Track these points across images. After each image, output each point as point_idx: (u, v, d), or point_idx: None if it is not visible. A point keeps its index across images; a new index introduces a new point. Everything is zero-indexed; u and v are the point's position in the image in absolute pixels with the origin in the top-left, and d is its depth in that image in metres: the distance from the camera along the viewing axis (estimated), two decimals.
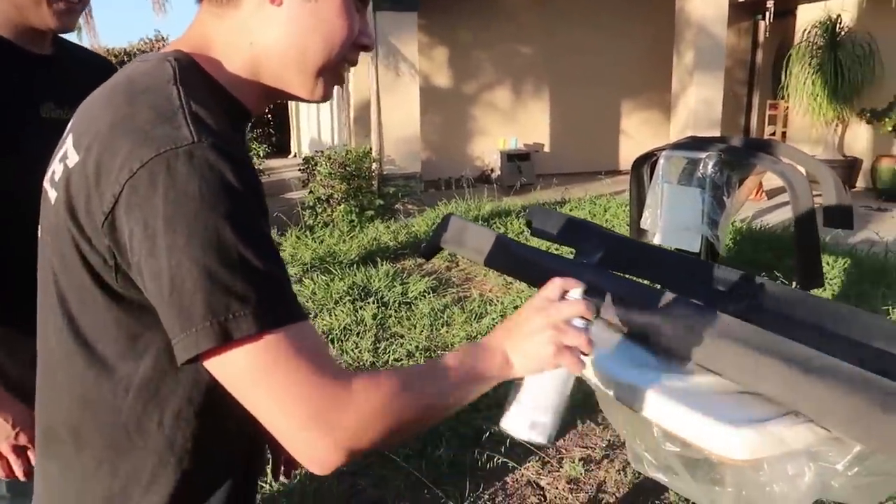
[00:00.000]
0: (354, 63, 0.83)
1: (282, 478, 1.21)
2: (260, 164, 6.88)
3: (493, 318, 3.94)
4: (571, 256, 1.95)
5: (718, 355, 1.05)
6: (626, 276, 1.92)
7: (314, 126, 12.16)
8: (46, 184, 0.79)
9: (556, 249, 4.11)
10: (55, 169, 0.76)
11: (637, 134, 9.94)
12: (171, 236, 0.63)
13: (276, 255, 0.69)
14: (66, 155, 0.73)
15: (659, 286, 1.90)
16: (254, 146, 6.75)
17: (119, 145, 0.66)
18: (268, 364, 0.64)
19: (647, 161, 4.72)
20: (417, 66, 7.29)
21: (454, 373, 0.74)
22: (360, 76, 8.42)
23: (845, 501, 0.97)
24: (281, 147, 14.36)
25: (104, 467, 0.76)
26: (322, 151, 7.71)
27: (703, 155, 4.00)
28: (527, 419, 0.79)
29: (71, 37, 1.56)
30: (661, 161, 4.33)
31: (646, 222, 4.52)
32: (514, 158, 8.90)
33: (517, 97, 9.63)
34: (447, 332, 3.83)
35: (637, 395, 1.03)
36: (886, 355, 1.14)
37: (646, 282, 2.34)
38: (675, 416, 0.97)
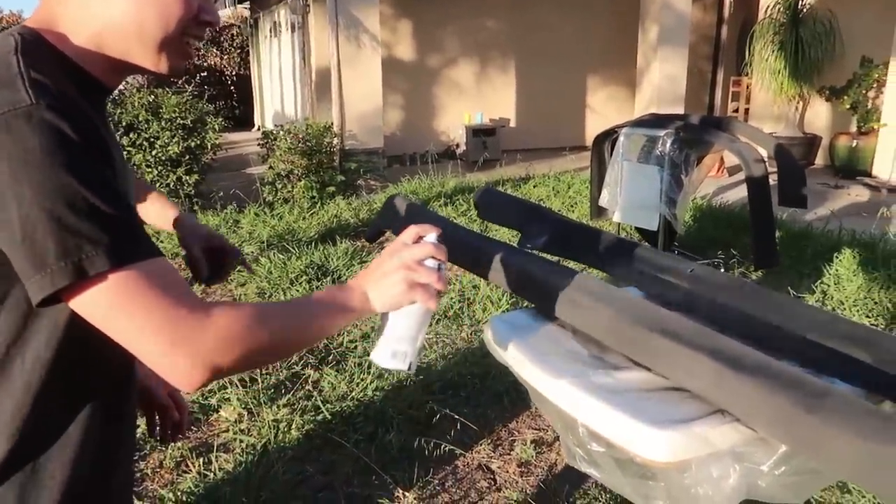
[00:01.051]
0: (200, 38, 0.88)
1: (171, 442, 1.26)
2: (217, 139, 6.67)
3: (451, 298, 3.90)
4: (517, 239, 1.90)
5: (648, 348, 1.02)
6: (570, 260, 1.88)
7: (277, 99, 11.89)
8: None
9: (496, 231, 4.06)
10: None
11: (603, 110, 9.92)
12: (18, 189, 0.68)
13: (123, 200, 0.74)
14: None
15: (599, 272, 1.85)
16: (210, 120, 6.54)
17: None
18: (126, 296, 0.70)
19: (608, 138, 4.68)
20: (379, 37, 7.12)
21: (314, 306, 0.83)
22: (322, 48, 8.23)
23: (772, 500, 0.95)
24: (244, 120, 14.04)
25: None
26: (283, 126, 7.53)
27: (661, 132, 3.98)
28: (388, 349, 0.88)
29: None
30: (621, 138, 4.30)
31: (604, 200, 4.50)
32: (480, 133, 8.82)
33: (483, 72, 9.52)
34: None
35: (563, 392, 0.99)
36: (821, 348, 1.12)
37: (592, 270, 2.31)
38: (599, 415, 0.93)
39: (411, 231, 0.89)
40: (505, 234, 4.83)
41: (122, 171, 0.83)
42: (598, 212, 4.61)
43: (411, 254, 0.86)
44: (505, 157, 8.70)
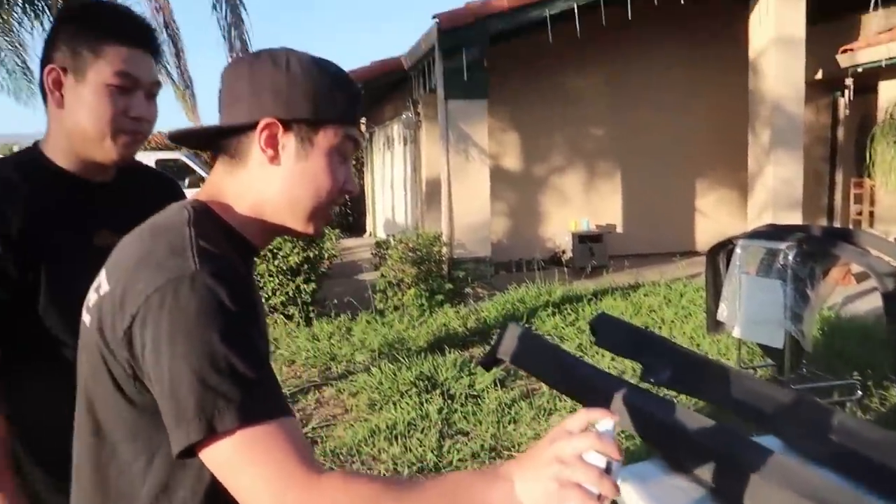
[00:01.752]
0: (341, 203, 1.02)
1: None
2: (334, 247, 7.06)
3: (563, 416, 3.80)
4: (637, 371, 1.86)
5: None
6: (693, 398, 1.82)
7: (388, 208, 12.49)
8: (84, 310, 0.94)
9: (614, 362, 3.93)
10: (90, 297, 0.92)
11: (713, 214, 9.70)
12: (173, 347, 0.77)
13: (263, 361, 0.82)
14: (100, 286, 0.90)
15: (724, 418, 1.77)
16: (328, 231, 6.95)
17: (140, 275, 0.82)
18: (245, 452, 0.75)
19: (723, 249, 4.56)
20: (487, 151, 7.43)
21: (443, 492, 0.75)
22: (433, 160, 8.67)
23: None
24: (357, 227, 14.80)
25: None
26: (394, 235, 7.87)
27: (782, 245, 3.83)
28: None
29: None
30: (738, 250, 4.17)
31: (723, 314, 4.33)
32: (586, 240, 8.81)
33: (588, 178, 9.63)
34: (514, 429, 3.72)
35: None
36: None
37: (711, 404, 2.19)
38: None
39: (580, 417, 0.77)
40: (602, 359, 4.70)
41: (263, 323, 0.94)
42: (716, 325, 4.42)
43: (572, 444, 0.74)
44: (612, 263, 8.60)
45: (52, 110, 1.28)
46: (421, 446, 3.51)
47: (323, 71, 0.94)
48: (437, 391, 4.24)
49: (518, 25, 7.17)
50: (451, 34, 6.88)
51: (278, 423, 0.77)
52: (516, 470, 0.76)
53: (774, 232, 4.37)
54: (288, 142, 0.92)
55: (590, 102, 9.39)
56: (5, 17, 8.12)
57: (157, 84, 1.30)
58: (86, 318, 0.92)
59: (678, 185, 9.71)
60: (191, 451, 0.77)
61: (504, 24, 7.06)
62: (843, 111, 9.46)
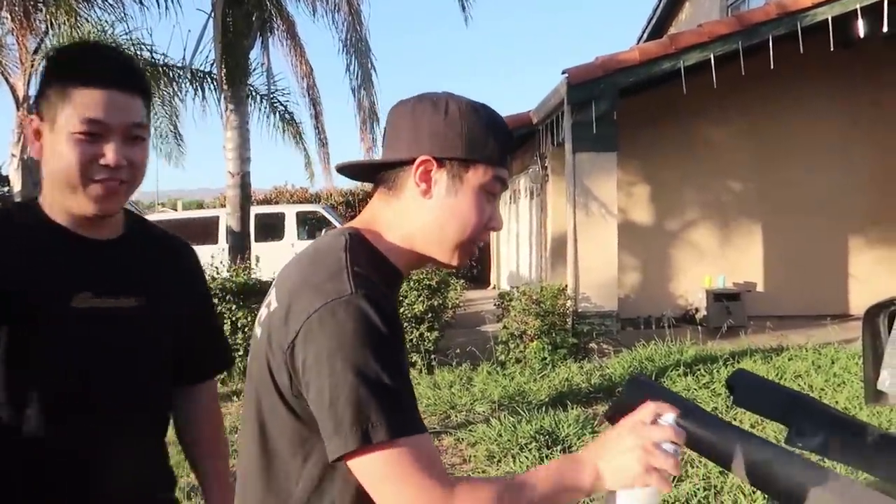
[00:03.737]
0: (485, 240, 1.12)
1: None
2: (458, 297, 7.11)
3: (695, 484, 3.51)
4: (783, 434, 1.67)
5: None
6: (852, 468, 1.60)
7: (513, 260, 12.49)
8: (256, 324, 1.07)
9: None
10: (261, 312, 1.05)
11: (869, 274, 8.82)
12: (332, 363, 0.87)
13: (408, 380, 0.92)
14: (271, 303, 1.02)
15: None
16: (452, 281, 7.03)
17: (302, 296, 0.93)
18: (393, 464, 0.85)
19: (884, 310, 4.09)
20: (616, 206, 7.25)
21: (545, 483, 0.88)
22: (559, 214, 8.59)
23: None
24: (481, 279, 14.89)
25: None
26: (518, 287, 7.81)
27: None
28: None
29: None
30: None
31: (884, 384, 3.84)
32: (722, 298, 8.29)
33: (725, 233, 9.13)
34: None
35: None
36: None
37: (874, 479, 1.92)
38: None
39: (650, 409, 0.90)
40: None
41: (404, 345, 1.01)
42: (876, 396, 3.94)
43: (651, 434, 0.87)
44: (752, 324, 8.00)
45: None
46: None
47: (478, 114, 1.02)
48: (559, 447, 4.07)
49: (650, 77, 7.04)
50: (581, 88, 6.87)
51: (419, 437, 0.87)
52: (599, 454, 0.89)
53: None
54: (440, 178, 1.01)
55: (728, 154, 8.97)
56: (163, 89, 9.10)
57: (140, 126, 1.19)
58: (257, 330, 1.05)
59: (829, 241, 8.96)
60: (343, 457, 0.87)
61: (635, 77, 6.96)
62: None
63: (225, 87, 7.99)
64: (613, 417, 1.99)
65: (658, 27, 13.17)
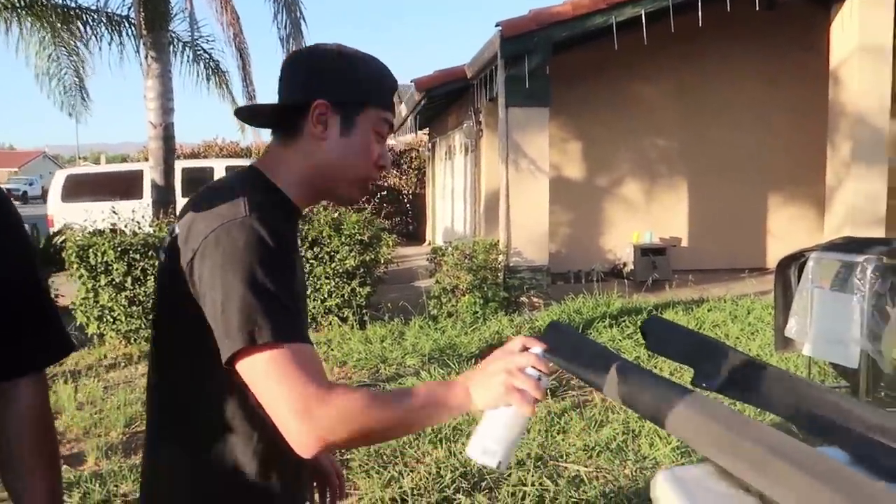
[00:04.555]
0: (377, 178, 1.25)
1: None
2: (389, 254, 7.07)
3: (615, 429, 3.64)
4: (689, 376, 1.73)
5: None
6: (751, 406, 1.67)
7: (448, 216, 12.48)
8: (160, 252, 1.16)
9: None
10: (165, 238, 1.13)
11: (786, 230, 9.25)
12: (224, 275, 0.96)
13: (295, 296, 1.01)
14: (174, 230, 1.10)
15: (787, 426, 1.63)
16: (385, 236, 6.98)
17: (201, 220, 1.02)
18: (275, 363, 0.93)
19: (794, 262, 4.30)
20: (548, 160, 7.29)
21: (419, 398, 0.96)
22: (493, 170, 8.59)
23: None
24: (417, 235, 14.85)
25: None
26: (450, 242, 7.82)
27: (860, 258, 3.58)
28: (481, 445, 0.94)
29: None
30: (811, 263, 3.92)
31: (791, 331, 4.07)
32: (649, 253, 8.55)
33: (653, 190, 9.36)
34: (563, 439, 3.58)
35: None
36: None
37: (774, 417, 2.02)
38: None
39: (518, 341, 0.99)
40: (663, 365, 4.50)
41: (300, 280, 1.11)
42: (784, 343, 4.17)
43: (515, 360, 0.95)
44: (677, 277, 8.30)
45: None
46: (464, 451, 3.41)
47: (367, 63, 1.14)
48: None
49: (583, 32, 7.03)
50: (514, 41, 6.81)
51: (301, 345, 0.95)
52: (470, 378, 0.97)
53: (850, 244, 4.09)
54: (334, 120, 1.10)
55: (658, 112, 9.14)
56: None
57: None
58: (161, 256, 1.13)
59: (750, 199, 9.32)
60: (231, 360, 0.94)
61: (568, 31, 6.94)
62: None
63: (144, 32, 7.54)
64: None
65: None
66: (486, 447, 0.94)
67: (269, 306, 0.93)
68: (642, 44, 7.00)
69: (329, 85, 1.10)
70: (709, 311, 6.36)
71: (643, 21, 6.78)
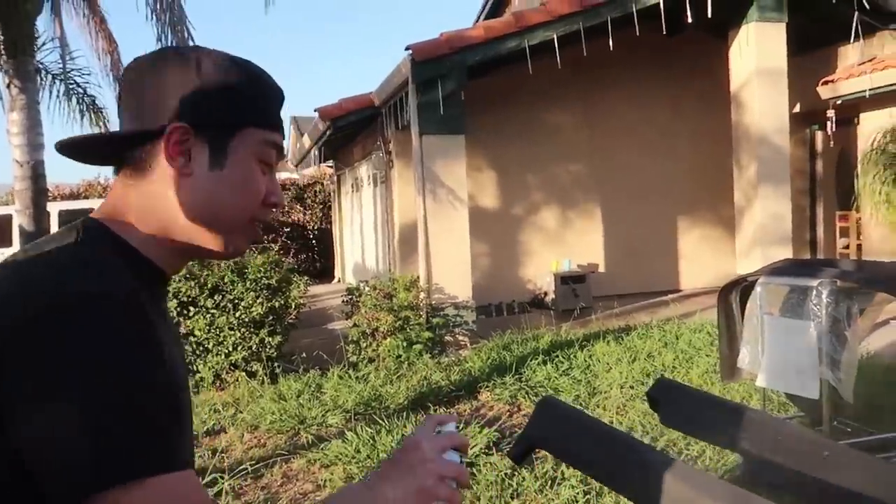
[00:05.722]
0: (265, 221, 0.90)
1: None
2: (302, 296, 6.48)
3: (574, 487, 3.25)
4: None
5: None
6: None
7: (358, 252, 11.95)
8: None
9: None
10: None
11: (697, 252, 9.38)
12: (54, 389, 0.66)
13: (166, 395, 0.71)
14: None
15: None
16: (295, 279, 6.38)
17: (12, 303, 0.69)
18: None
19: (735, 287, 4.12)
20: (466, 189, 6.96)
21: None
22: (406, 201, 8.19)
23: None
24: (325, 272, 14.19)
25: None
26: (367, 281, 7.31)
27: (814, 283, 3.40)
28: None
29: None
30: (759, 289, 3.73)
31: (744, 361, 3.86)
32: (569, 281, 8.38)
33: (567, 217, 9.25)
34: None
35: None
36: None
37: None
38: None
39: (430, 422, 0.89)
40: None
41: (176, 363, 0.78)
42: (730, 373, 3.96)
43: (431, 469, 0.83)
44: (599, 304, 8.15)
45: None
46: None
47: (240, 69, 0.84)
48: None
49: (496, 56, 6.80)
50: (426, 66, 6.48)
51: (181, 475, 0.69)
52: (386, 483, 0.82)
53: (797, 268, 3.96)
54: (199, 148, 0.82)
55: (569, 139, 9.07)
56: None
57: None
58: None
59: (660, 222, 9.39)
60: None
61: (481, 56, 6.69)
62: (820, 144, 9.31)
63: (5, 58, 6.64)
64: (519, 455, 1.54)
65: (495, 7, 13.19)
66: None
67: (130, 426, 0.66)
68: (555, 69, 6.87)
69: (189, 102, 0.80)
70: (639, 338, 6.17)
71: (556, 45, 6.64)
